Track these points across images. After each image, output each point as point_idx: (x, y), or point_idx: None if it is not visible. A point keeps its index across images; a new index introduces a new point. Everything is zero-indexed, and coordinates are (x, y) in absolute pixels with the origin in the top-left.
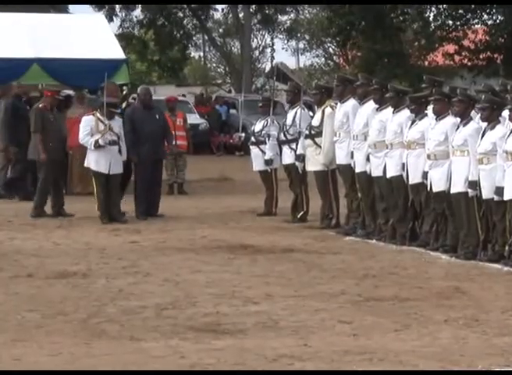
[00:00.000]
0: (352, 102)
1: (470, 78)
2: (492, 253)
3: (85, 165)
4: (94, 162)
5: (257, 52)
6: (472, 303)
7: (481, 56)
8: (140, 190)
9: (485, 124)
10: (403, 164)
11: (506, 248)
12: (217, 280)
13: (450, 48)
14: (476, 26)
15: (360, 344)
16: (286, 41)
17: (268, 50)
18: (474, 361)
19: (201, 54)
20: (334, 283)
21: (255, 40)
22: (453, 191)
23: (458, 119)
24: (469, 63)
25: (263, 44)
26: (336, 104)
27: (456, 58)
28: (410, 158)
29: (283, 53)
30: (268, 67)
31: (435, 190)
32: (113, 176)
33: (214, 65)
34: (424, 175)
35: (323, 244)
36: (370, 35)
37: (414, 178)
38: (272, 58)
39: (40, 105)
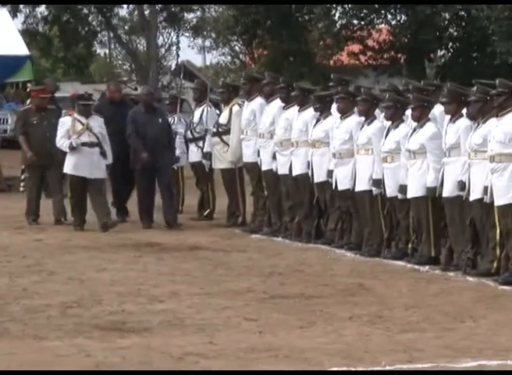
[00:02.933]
0: (259, 101)
1: (374, 77)
2: (396, 250)
3: (64, 169)
4: (72, 165)
5: (163, 50)
6: (376, 300)
7: (384, 56)
8: (138, 198)
9: (388, 123)
10: (309, 162)
11: (410, 245)
12: (122, 279)
13: (355, 47)
14: (380, 25)
15: (266, 342)
16: (192, 39)
17: (174, 48)
18: (378, 357)
19: (107, 51)
20: (240, 280)
21: (161, 37)
22: (357, 189)
23: (362, 118)
24: (373, 63)
25: (169, 41)
26: (243, 102)
27: (361, 57)
28: (314, 157)
29: (190, 51)
30: (174, 65)
31: (339, 188)
32: (94, 181)
33: (120, 62)
34: (329, 173)
35: (229, 241)
36: (276, 34)
37: (319, 176)
38: (178, 56)
39: (26, 107)
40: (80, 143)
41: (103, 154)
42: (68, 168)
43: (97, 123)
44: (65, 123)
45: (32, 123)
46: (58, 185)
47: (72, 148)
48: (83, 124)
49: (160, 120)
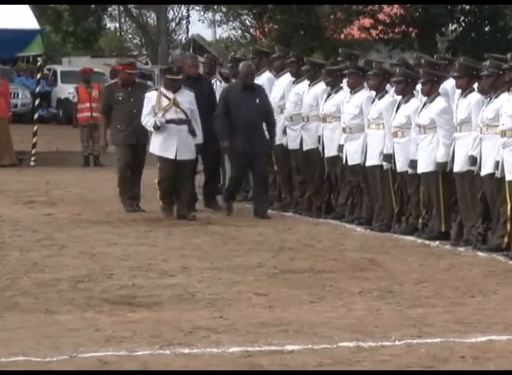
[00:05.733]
0: (267, 75)
1: (385, 52)
2: (406, 225)
3: (150, 150)
4: (158, 145)
5: (173, 24)
6: (386, 275)
7: (396, 30)
8: (229, 184)
9: (399, 98)
10: (319, 137)
11: (420, 220)
12: (133, 253)
13: (366, 21)
14: None
15: (276, 316)
16: (202, 13)
17: (185, 22)
18: (388, 332)
19: (117, 25)
20: (250, 255)
21: (171, 11)
22: (368, 163)
23: (373, 93)
24: (385, 37)
25: (179, 15)
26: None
27: (372, 31)
28: (325, 132)
29: (200, 25)
30: (184, 39)
31: (350, 163)
32: (182, 163)
33: (130, 36)
34: (340, 148)
35: (240, 216)
36: (286, 8)
37: (330, 151)
38: (188, 30)
39: (110, 83)
40: (164, 121)
41: (192, 132)
42: (154, 148)
43: (186, 98)
44: (150, 98)
45: (118, 100)
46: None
47: (157, 128)
48: (169, 99)
49: (257, 101)
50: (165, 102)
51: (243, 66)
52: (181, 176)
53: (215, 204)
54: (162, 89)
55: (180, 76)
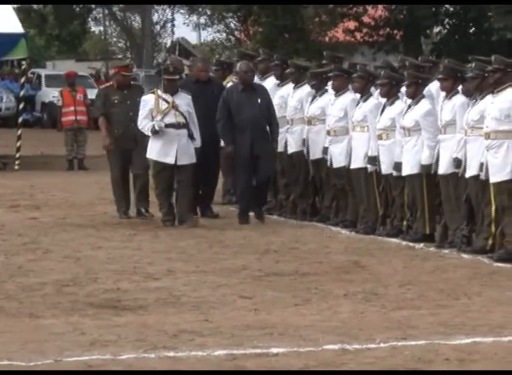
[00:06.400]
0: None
1: (370, 54)
2: (391, 228)
3: (147, 155)
4: (156, 150)
5: (158, 27)
6: (371, 277)
7: (380, 32)
8: (239, 187)
9: (384, 100)
10: (304, 140)
11: (404, 222)
12: (118, 257)
13: (351, 24)
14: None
15: (261, 319)
16: (187, 16)
17: (169, 25)
18: (373, 334)
19: (102, 28)
20: (235, 258)
21: (156, 14)
22: (352, 166)
23: (358, 95)
24: (369, 39)
25: (164, 18)
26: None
27: (357, 34)
28: (310, 134)
29: (184, 28)
30: (169, 42)
31: (335, 165)
32: (182, 168)
33: (114, 39)
34: (325, 151)
35: (225, 219)
36: (271, 10)
37: (315, 154)
38: (173, 33)
39: (106, 85)
40: (163, 125)
41: (191, 136)
42: (151, 153)
43: (184, 100)
44: (147, 101)
45: (113, 103)
46: (144, 172)
47: (155, 132)
48: (168, 103)
49: (259, 101)
50: (163, 105)
51: (241, 64)
52: (182, 181)
53: (209, 212)
54: (160, 92)
55: (178, 77)
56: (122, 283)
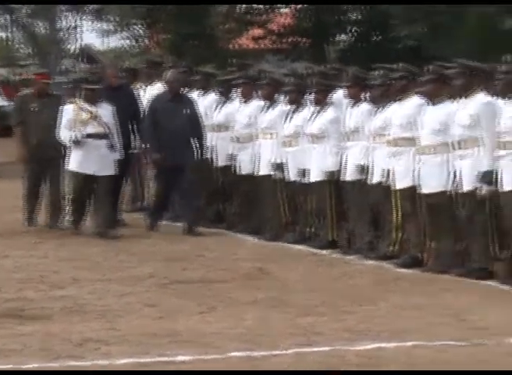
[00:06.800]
0: (159, 86)
1: (276, 62)
2: (297, 234)
3: (66, 166)
4: (75, 161)
5: (63, 33)
6: (277, 284)
7: (287, 40)
8: (156, 196)
9: (290, 107)
10: (211, 147)
11: (310, 229)
12: (24, 265)
13: (257, 31)
14: (282, 10)
15: (167, 327)
16: (93, 23)
17: (76, 31)
18: (278, 341)
19: (5, 34)
20: (142, 266)
21: (61, 21)
22: (258, 173)
23: (264, 102)
24: (276, 47)
25: (70, 25)
26: (147, 86)
27: (264, 42)
28: (217, 141)
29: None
30: (75, 49)
31: (241, 172)
32: (101, 179)
33: (20, 46)
34: (231, 157)
35: (131, 228)
36: (178, 17)
37: (222, 161)
38: (79, 39)
39: (24, 93)
40: (84, 136)
41: (112, 147)
42: (71, 164)
43: (106, 111)
44: (68, 111)
45: (31, 111)
46: (60, 183)
47: (76, 143)
48: (89, 113)
49: (186, 111)
50: (84, 116)
51: (170, 73)
52: (100, 192)
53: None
54: (80, 102)
55: (99, 86)
56: (27, 292)
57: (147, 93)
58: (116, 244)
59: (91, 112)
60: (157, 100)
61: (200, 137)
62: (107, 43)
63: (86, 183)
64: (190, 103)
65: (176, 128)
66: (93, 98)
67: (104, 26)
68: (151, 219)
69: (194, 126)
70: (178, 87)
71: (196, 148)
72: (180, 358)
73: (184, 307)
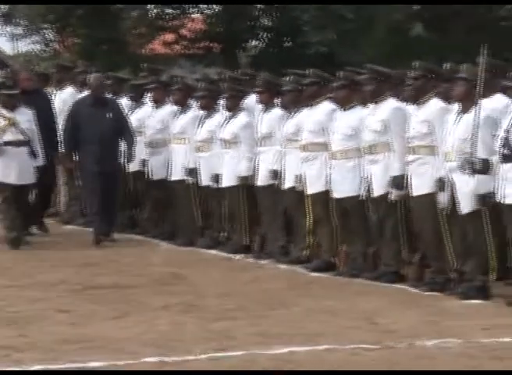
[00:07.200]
0: (70, 90)
1: (189, 67)
2: (210, 239)
3: None
4: None
5: None
6: (190, 289)
7: (199, 45)
8: (89, 206)
9: (202, 112)
10: (123, 151)
11: (223, 234)
12: None
13: (169, 36)
14: (194, 15)
15: (79, 333)
16: (2, 27)
17: None
18: (192, 346)
19: None
20: (54, 272)
21: None
22: (172, 178)
23: (176, 107)
24: (188, 52)
25: None
26: (57, 90)
27: (175, 47)
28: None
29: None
30: None
31: (154, 177)
32: (22, 188)
33: None
34: (144, 163)
35: (43, 233)
36: (88, 22)
37: (134, 166)
38: None
39: None
40: (2, 143)
41: (33, 154)
42: None
43: (25, 116)
44: None
45: None
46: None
47: None
48: (6, 119)
49: (109, 115)
50: (1, 123)
51: (93, 78)
52: (20, 200)
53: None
54: None
55: (17, 91)
56: None
57: (58, 97)
58: (27, 250)
59: (9, 119)
60: (78, 104)
61: (128, 141)
62: (17, 47)
63: (8, 192)
64: (116, 107)
65: (98, 132)
66: (11, 104)
67: (14, 30)
68: (99, 229)
69: (121, 130)
70: (101, 91)
71: (123, 152)
72: (92, 364)
73: (97, 312)
